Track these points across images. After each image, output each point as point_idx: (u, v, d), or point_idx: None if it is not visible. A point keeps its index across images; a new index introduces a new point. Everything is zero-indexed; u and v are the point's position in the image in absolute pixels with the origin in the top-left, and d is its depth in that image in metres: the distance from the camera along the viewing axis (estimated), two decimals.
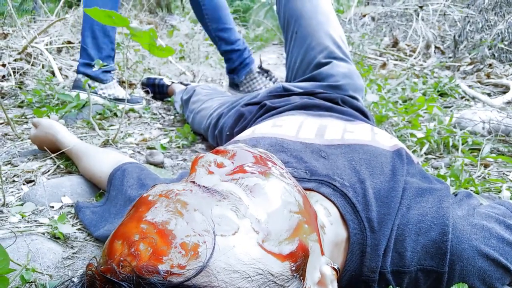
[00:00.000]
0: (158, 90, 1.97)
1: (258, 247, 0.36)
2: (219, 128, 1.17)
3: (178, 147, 1.36)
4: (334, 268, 0.44)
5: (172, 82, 1.94)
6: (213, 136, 1.22)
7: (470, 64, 2.45)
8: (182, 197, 0.38)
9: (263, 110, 0.98)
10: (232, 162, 0.46)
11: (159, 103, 1.94)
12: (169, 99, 1.93)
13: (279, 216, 0.39)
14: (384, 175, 0.62)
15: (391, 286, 0.56)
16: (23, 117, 1.60)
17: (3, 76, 1.98)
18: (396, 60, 2.89)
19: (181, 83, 1.93)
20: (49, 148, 1.13)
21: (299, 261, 0.39)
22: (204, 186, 0.40)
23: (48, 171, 1.08)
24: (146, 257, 0.33)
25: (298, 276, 0.39)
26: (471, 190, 0.93)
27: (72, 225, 0.82)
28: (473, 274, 0.55)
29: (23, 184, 1.01)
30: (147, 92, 2.01)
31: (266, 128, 0.78)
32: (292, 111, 0.89)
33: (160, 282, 0.32)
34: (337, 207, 0.56)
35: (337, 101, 0.98)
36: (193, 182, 0.42)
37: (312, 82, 1.09)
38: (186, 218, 0.35)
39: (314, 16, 1.16)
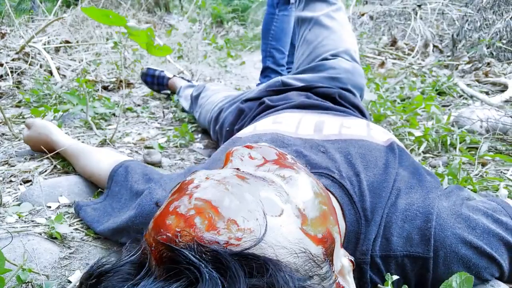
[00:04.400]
0: (158, 81, 1.96)
1: (299, 230, 0.40)
2: (220, 123, 1.17)
3: (176, 146, 1.36)
4: (351, 260, 0.47)
5: (174, 75, 1.95)
6: (214, 130, 1.23)
7: (468, 62, 2.45)
8: (230, 180, 0.41)
9: (261, 107, 0.99)
10: (263, 157, 0.50)
11: (157, 102, 1.94)
12: (168, 91, 1.93)
13: (312, 206, 0.43)
14: (378, 169, 0.65)
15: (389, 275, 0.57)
16: (21, 117, 1.59)
17: (1, 76, 1.97)
18: (395, 59, 2.89)
19: (182, 78, 1.94)
20: (41, 149, 1.12)
21: (328, 247, 0.42)
22: (249, 172, 0.44)
23: (45, 171, 1.07)
24: (203, 229, 0.36)
25: (328, 260, 0.42)
26: (469, 189, 0.93)
27: (70, 225, 0.82)
28: (457, 261, 0.57)
29: (20, 184, 1.01)
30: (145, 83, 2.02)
31: (266, 124, 0.81)
32: (290, 109, 0.91)
33: (222, 250, 0.34)
34: (336, 197, 0.59)
35: (334, 97, 0.99)
36: (238, 169, 0.46)
37: (312, 73, 1.10)
38: (238, 198, 0.39)
39: (335, 25, 1.22)
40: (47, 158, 1.13)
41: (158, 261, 0.36)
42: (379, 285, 0.59)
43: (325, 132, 0.75)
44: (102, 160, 0.96)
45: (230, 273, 0.33)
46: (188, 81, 1.92)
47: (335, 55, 1.15)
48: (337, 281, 0.44)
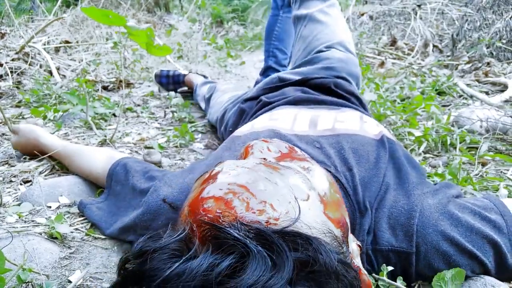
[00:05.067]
0: (173, 80, 1.99)
1: (323, 214, 0.44)
2: (224, 123, 1.20)
3: (176, 146, 1.36)
4: (358, 245, 0.51)
5: (190, 72, 1.98)
6: (220, 131, 1.26)
7: (468, 62, 2.45)
8: (261, 167, 0.45)
9: (259, 105, 1.02)
10: (279, 150, 0.55)
11: (157, 102, 1.94)
12: (185, 88, 1.96)
13: (329, 193, 0.48)
14: (369, 163, 0.68)
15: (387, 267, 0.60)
16: (21, 117, 1.59)
17: (1, 76, 1.97)
18: (394, 58, 2.89)
19: (197, 74, 1.97)
20: (33, 152, 1.10)
21: (345, 230, 0.47)
22: (276, 162, 0.49)
23: (45, 171, 1.07)
24: (243, 210, 0.39)
25: (345, 242, 0.46)
26: (469, 189, 0.93)
27: (70, 225, 0.82)
28: (437, 257, 0.59)
29: (20, 184, 1.01)
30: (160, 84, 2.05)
31: (264, 122, 0.84)
32: (285, 105, 0.94)
33: (264, 228, 0.37)
34: None
35: (329, 86, 1.02)
36: (264, 158, 0.51)
37: (308, 66, 1.14)
38: (271, 183, 0.43)
39: (329, 19, 1.28)
40: (45, 158, 1.13)
41: (201, 240, 0.38)
42: (373, 274, 0.61)
43: (320, 127, 0.77)
44: (97, 159, 0.96)
45: (276, 248, 0.35)
46: (204, 76, 1.95)
47: (329, 47, 1.19)
48: (352, 261, 0.47)
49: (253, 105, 1.05)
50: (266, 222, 0.39)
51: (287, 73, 1.12)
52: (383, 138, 0.73)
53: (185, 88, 1.97)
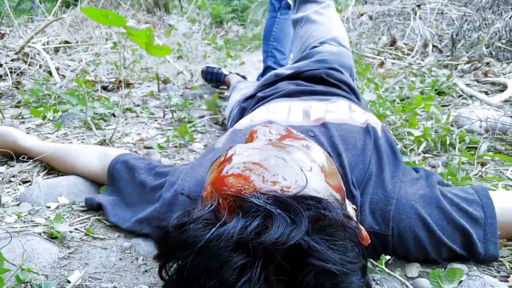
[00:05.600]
0: (216, 78, 2.13)
1: (324, 181, 0.52)
2: (230, 121, 1.28)
3: (175, 146, 1.36)
4: (354, 208, 0.57)
5: (230, 72, 2.10)
6: (228, 128, 1.31)
7: (467, 62, 2.46)
8: (269, 147, 0.53)
9: (255, 100, 1.09)
10: (279, 133, 0.62)
11: (157, 102, 1.94)
12: (225, 87, 2.08)
13: (326, 165, 0.55)
14: (356, 150, 0.75)
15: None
16: (20, 117, 1.59)
17: (0, 76, 1.97)
18: (394, 59, 2.89)
19: (237, 74, 2.07)
20: (10, 155, 1.08)
21: (343, 195, 0.54)
22: (280, 142, 0.57)
23: (44, 171, 1.07)
24: (260, 183, 0.46)
25: (344, 204, 0.53)
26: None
27: (70, 225, 0.82)
28: (410, 240, 0.67)
29: (19, 184, 1.01)
30: (205, 79, 2.19)
31: (261, 115, 0.90)
32: (280, 98, 1.01)
33: (280, 194, 0.44)
34: None
35: (321, 76, 1.08)
36: (270, 140, 0.58)
37: (303, 61, 1.21)
38: (280, 159, 0.50)
39: (323, 19, 1.39)
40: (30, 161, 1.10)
41: (229, 210, 0.44)
42: (371, 260, 0.68)
43: (312, 117, 0.85)
44: (89, 158, 0.98)
45: (292, 209, 0.42)
46: (243, 77, 2.04)
47: (322, 42, 1.28)
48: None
49: (251, 103, 1.11)
50: (280, 190, 0.46)
51: (282, 69, 1.19)
52: (368, 127, 0.80)
53: (225, 87, 2.09)
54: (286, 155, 0.51)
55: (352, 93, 1.07)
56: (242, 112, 1.15)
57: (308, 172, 0.50)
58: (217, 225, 0.42)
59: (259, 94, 1.09)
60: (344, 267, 0.42)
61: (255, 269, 0.39)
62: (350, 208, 0.56)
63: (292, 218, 0.42)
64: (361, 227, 0.53)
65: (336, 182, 0.54)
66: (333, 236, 0.43)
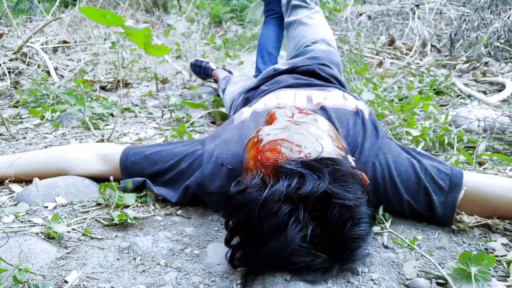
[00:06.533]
0: (203, 71, 2.24)
1: (333, 144, 0.71)
2: (233, 111, 1.37)
3: None
4: (353, 160, 0.75)
5: (217, 67, 2.19)
6: (230, 116, 1.39)
7: (466, 62, 2.46)
8: (290, 125, 0.72)
9: (259, 91, 1.23)
10: (292, 112, 0.79)
11: (155, 102, 1.94)
12: (212, 80, 2.21)
13: (331, 131, 0.75)
14: (348, 127, 0.92)
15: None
16: (18, 117, 1.59)
17: None
18: (393, 58, 2.89)
19: (223, 69, 2.17)
20: None
21: (346, 153, 0.74)
22: (297, 119, 0.75)
23: None
24: (289, 153, 0.65)
25: (348, 159, 0.73)
26: None
27: (67, 225, 0.82)
28: (381, 193, 0.83)
29: (17, 184, 1.00)
30: (194, 72, 2.28)
31: (272, 100, 1.07)
32: (284, 88, 1.16)
33: (306, 159, 0.64)
34: None
35: (314, 70, 1.26)
36: (289, 119, 0.75)
37: (297, 58, 1.40)
38: (300, 134, 0.69)
39: (314, 22, 1.62)
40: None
41: (273, 176, 0.61)
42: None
43: (314, 102, 1.01)
44: (90, 160, 0.99)
45: (316, 168, 0.61)
46: (229, 72, 2.13)
47: (314, 42, 1.48)
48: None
49: (255, 94, 1.26)
50: (305, 156, 0.65)
51: (280, 65, 1.36)
52: (358, 111, 0.97)
53: (212, 80, 2.23)
54: (303, 130, 0.70)
55: (340, 85, 1.24)
56: (246, 101, 1.29)
57: (321, 140, 0.69)
58: (268, 187, 0.59)
59: (263, 87, 1.24)
60: (356, 201, 0.60)
61: (300, 211, 0.58)
62: (351, 160, 0.74)
63: (317, 175, 0.60)
64: (362, 173, 0.69)
65: (340, 143, 0.74)
66: (346, 183, 0.61)
